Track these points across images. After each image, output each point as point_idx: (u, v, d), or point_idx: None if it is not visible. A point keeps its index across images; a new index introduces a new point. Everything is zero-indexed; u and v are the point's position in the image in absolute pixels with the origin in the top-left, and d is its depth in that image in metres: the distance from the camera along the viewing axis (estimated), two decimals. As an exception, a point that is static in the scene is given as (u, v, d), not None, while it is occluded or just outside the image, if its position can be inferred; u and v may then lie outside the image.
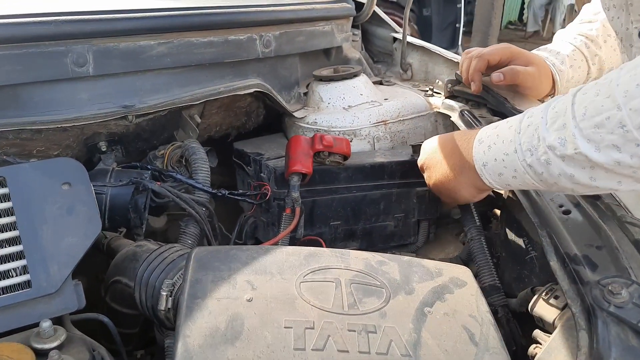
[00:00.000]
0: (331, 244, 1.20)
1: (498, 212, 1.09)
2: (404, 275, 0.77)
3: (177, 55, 1.06)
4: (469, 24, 6.52)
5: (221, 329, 0.65)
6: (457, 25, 6.38)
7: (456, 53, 5.85)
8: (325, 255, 0.79)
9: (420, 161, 1.07)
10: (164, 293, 0.79)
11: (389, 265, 0.79)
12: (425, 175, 1.06)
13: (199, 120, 1.17)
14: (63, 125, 0.94)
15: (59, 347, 0.71)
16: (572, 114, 0.70)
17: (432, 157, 1.01)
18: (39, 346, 0.71)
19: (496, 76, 1.12)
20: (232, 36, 1.14)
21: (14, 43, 0.87)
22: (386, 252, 1.22)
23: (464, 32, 6.31)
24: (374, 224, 1.21)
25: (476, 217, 1.02)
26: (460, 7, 6.33)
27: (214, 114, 1.23)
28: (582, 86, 0.73)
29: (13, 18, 0.89)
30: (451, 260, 1.21)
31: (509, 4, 10.21)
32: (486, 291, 0.98)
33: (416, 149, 1.20)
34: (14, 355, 0.68)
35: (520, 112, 1.10)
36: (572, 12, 9.82)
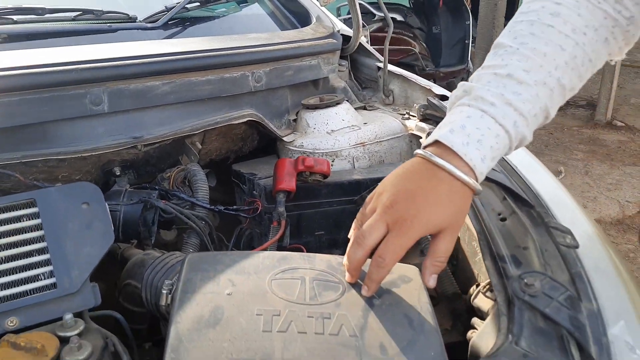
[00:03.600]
0: (317, 251, 1.36)
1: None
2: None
3: (179, 93, 1.25)
4: (478, 39, 6.67)
5: (205, 316, 0.82)
6: (466, 41, 6.54)
7: (467, 69, 5.97)
8: (295, 258, 0.96)
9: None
10: (164, 291, 0.96)
11: (348, 265, 0.95)
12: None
13: (199, 146, 1.36)
14: (83, 155, 1.13)
15: (78, 335, 0.88)
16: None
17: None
18: (62, 334, 0.88)
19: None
20: (227, 74, 1.33)
21: (44, 88, 1.07)
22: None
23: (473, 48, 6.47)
24: (354, 234, 1.37)
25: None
26: (469, 24, 6.50)
27: (213, 141, 1.42)
28: None
29: (42, 67, 1.09)
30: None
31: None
32: (449, 299, 1.14)
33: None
34: (43, 341, 0.85)
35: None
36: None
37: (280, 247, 1.26)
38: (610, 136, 5.92)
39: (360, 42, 1.78)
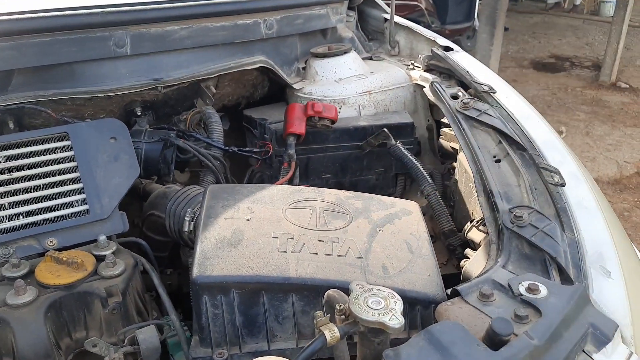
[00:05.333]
0: (323, 193, 1.46)
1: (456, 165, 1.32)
2: (364, 206, 1.02)
3: (195, 38, 1.31)
4: (487, -4, 6.57)
5: (227, 237, 0.92)
6: (473, -3, 6.44)
7: (473, 26, 5.89)
8: (307, 191, 1.05)
9: None
10: (187, 219, 1.06)
11: (354, 199, 1.04)
12: None
13: (214, 90, 1.43)
14: (108, 94, 1.21)
15: (112, 254, 0.98)
16: None
17: None
18: (97, 253, 0.98)
19: None
20: (240, 21, 1.38)
21: (72, 30, 1.14)
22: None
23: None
24: (358, 177, 1.46)
25: (427, 176, 1.27)
26: (477, -20, 6.39)
27: (226, 86, 1.49)
28: None
29: (71, 10, 1.15)
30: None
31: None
32: (446, 235, 1.24)
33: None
34: (82, 258, 0.96)
35: (478, 83, 1.33)
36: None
37: (290, 186, 1.35)
38: (614, 97, 5.93)
39: (368, -6, 1.82)
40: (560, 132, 4.93)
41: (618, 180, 4.39)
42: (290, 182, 1.34)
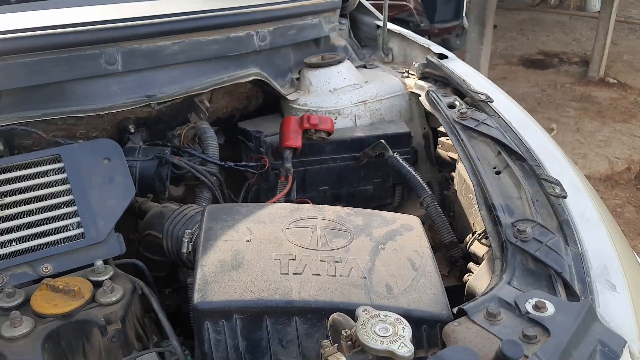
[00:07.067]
0: (321, 205, 1.44)
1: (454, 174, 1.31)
2: (365, 223, 1.01)
3: (188, 52, 1.29)
4: (475, -6, 6.59)
5: (228, 260, 0.90)
6: (462, -4, 6.45)
7: (462, 25, 5.89)
8: (306, 209, 1.03)
9: None
10: (186, 240, 1.04)
11: (355, 215, 1.03)
12: None
13: (208, 104, 1.41)
14: (100, 113, 1.19)
15: (109, 279, 0.96)
16: None
17: None
18: (94, 279, 0.96)
19: None
20: (233, 34, 1.36)
21: (61, 48, 1.11)
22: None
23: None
24: (356, 188, 1.45)
25: (426, 187, 1.25)
26: (464, -21, 6.40)
27: (220, 99, 1.47)
28: None
29: (59, 28, 1.12)
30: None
31: (516, -28, 10.15)
32: (447, 246, 1.23)
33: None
34: (79, 284, 0.93)
35: (475, 92, 1.33)
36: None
37: (287, 201, 1.33)
38: (603, 93, 5.96)
39: (359, 0, 1.80)
40: (551, 130, 4.96)
41: (609, 177, 4.42)
42: (287, 195, 1.32)
